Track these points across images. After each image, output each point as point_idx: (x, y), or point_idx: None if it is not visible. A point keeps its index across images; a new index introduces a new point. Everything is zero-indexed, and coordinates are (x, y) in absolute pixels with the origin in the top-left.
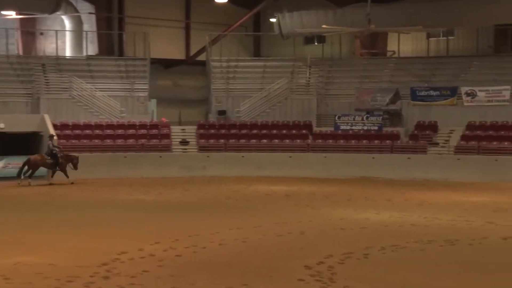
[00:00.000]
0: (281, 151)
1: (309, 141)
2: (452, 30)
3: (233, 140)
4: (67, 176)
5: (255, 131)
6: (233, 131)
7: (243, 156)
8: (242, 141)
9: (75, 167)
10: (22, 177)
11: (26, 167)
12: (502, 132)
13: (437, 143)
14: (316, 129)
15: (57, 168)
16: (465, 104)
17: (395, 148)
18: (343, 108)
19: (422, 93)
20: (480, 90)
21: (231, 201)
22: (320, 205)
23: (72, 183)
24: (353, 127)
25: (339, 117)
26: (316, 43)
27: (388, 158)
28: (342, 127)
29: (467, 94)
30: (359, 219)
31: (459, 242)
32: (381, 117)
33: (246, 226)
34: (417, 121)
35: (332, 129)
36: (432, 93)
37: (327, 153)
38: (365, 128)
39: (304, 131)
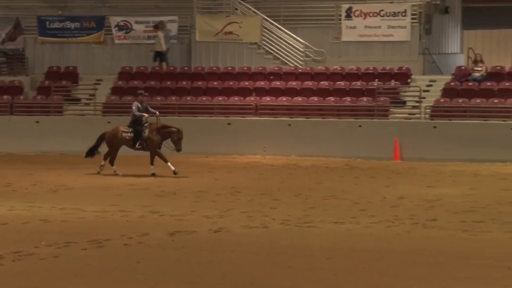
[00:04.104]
0: None
1: None
2: None
3: None
4: (166, 161)
5: None
6: None
7: None
8: None
9: (178, 147)
10: (103, 162)
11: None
12: (169, 83)
13: (79, 99)
14: None
15: (140, 145)
16: (117, 41)
17: (17, 107)
18: None
19: (55, 25)
20: (137, 22)
21: None
22: None
23: (153, 174)
24: None
25: None
26: None
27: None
28: None
29: (119, 28)
30: None
31: (110, 243)
32: None
33: None
34: (48, 67)
35: None
36: (69, 25)
37: None
38: None
39: None
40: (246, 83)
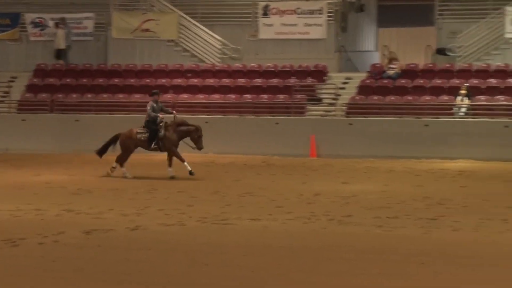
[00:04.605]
0: None
1: None
2: None
3: None
4: (182, 161)
5: None
6: None
7: None
8: None
9: (199, 145)
10: (115, 164)
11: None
12: (85, 80)
13: None
14: None
15: (156, 145)
16: (32, 38)
17: None
18: None
19: None
20: (52, 19)
21: None
22: None
23: (172, 177)
24: None
25: None
26: None
27: None
28: None
29: (35, 25)
30: None
31: (24, 242)
32: None
33: None
34: None
35: None
36: None
37: None
38: None
39: None
40: (163, 81)
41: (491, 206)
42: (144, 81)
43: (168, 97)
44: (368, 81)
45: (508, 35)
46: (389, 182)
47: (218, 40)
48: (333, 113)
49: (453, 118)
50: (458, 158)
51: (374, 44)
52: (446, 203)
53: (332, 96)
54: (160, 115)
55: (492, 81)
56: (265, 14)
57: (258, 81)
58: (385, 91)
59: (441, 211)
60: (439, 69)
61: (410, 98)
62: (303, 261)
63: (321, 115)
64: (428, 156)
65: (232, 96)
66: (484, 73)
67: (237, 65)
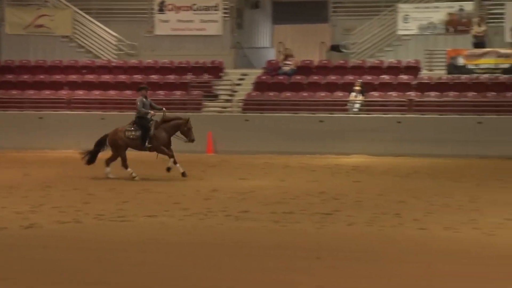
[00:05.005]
0: None
1: None
2: None
3: None
4: (172, 157)
5: None
6: None
7: None
8: None
9: (190, 137)
10: (107, 169)
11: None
12: None
13: None
14: None
15: (149, 144)
16: None
17: None
18: None
19: None
20: None
21: None
22: None
23: (183, 173)
24: None
25: None
26: None
27: None
28: None
29: None
30: None
31: None
32: None
33: None
34: None
35: None
36: None
37: None
38: None
39: None
40: (58, 77)
41: (385, 200)
42: (38, 77)
43: (63, 93)
44: (264, 77)
45: (400, 32)
46: (285, 178)
47: (114, 36)
48: (229, 109)
49: (348, 114)
50: (352, 154)
51: (269, 41)
52: (341, 198)
53: (229, 92)
54: (151, 113)
55: (385, 77)
56: (161, 10)
57: (154, 77)
58: (281, 87)
59: (336, 206)
60: (333, 65)
61: (305, 94)
62: (199, 257)
63: (218, 111)
64: (323, 152)
65: (128, 92)
66: (377, 69)
67: (133, 61)
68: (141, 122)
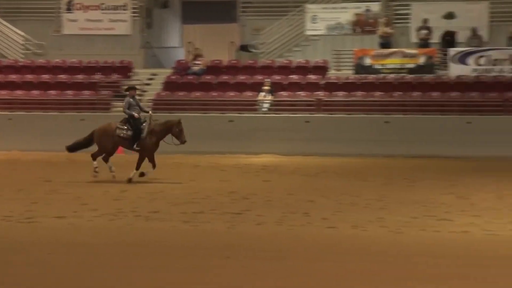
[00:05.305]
0: None
1: None
2: None
3: None
4: (154, 165)
5: None
6: None
7: None
8: None
9: (181, 139)
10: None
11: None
12: None
13: None
14: None
15: (138, 147)
16: None
17: None
18: None
19: None
20: None
21: None
22: None
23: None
24: None
25: None
26: None
27: None
28: None
29: None
30: None
31: None
32: None
33: None
34: None
35: None
36: None
37: None
38: None
39: None
40: None
41: (294, 200)
42: None
43: None
44: (173, 77)
45: (308, 32)
46: (195, 178)
47: (21, 35)
48: None
49: (257, 113)
50: (262, 153)
51: (179, 40)
52: (250, 198)
53: (138, 92)
54: (135, 115)
55: (294, 77)
56: (69, 9)
57: (62, 77)
58: (190, 87)
59: (246, 206)
60: (242, 65)
61: (215, 94)
62: (108, 258)
63: None
64: (233, 152)
65: (36, 92)
66: (286, 69)
67: (41, 60)
68: (135, 122)
